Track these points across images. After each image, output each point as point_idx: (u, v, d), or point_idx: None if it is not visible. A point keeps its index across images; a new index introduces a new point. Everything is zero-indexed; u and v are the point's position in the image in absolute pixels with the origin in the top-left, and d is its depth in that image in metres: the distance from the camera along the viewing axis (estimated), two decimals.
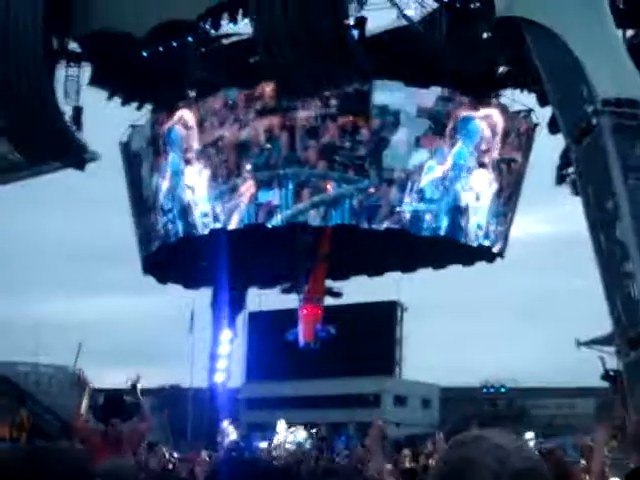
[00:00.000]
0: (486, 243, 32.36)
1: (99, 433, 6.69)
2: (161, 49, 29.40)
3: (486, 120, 31.22)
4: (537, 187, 35.22)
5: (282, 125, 30.41)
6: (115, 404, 7.60)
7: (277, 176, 30.76)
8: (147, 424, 7.63)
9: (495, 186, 31.97)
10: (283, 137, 30.45)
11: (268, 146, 30.13)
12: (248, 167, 30.80)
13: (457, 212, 31.06)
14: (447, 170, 30.68)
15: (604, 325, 26.67)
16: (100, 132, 32.86)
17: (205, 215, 31.66)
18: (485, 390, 53.39)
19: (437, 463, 1.59)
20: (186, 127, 31.52)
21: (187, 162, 31.88)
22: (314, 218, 30.85)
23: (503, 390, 52.91)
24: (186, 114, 31.58)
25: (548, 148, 30.41)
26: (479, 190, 31.48)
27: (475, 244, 32.04)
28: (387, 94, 30.13)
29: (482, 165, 31.40)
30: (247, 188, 30.87)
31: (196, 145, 31.43)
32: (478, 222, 31.71)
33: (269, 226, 31.01)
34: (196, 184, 31.70)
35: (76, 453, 2.10)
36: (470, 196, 31.28)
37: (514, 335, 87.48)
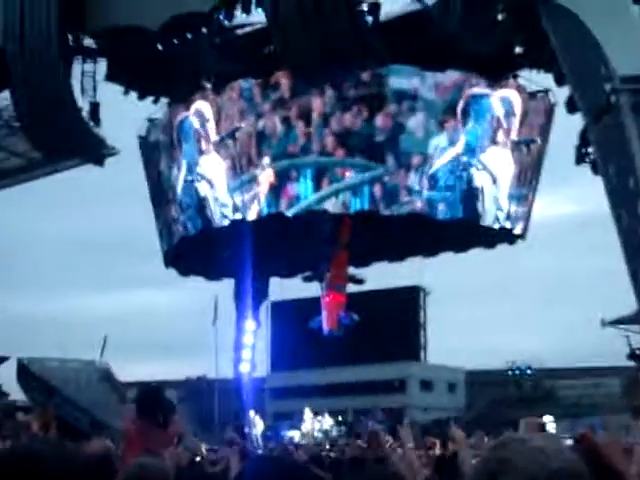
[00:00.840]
0: (507, 225, 32.17)
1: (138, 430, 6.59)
2: (176, 42, 29.43)
3: (502, 100, 30.99)
4: (556, 167, 35.06)
5: (298, 114, 30.36)
6: (152, 400, 7.25)
7: (295, 165, 30.73)
8: (179, 427, 7.56)
9: (514, 167, 31.78)
10: (300, 126, 30.40)
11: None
12: (266, 157, 30.77)
13: (472, 197, 30.85)
14: (460, 153, 30.48)
15: (629, 304, 26.59)
16: (118, 127, 33.00)
17: (224, 206, 31.64)
18: (511, 372, 53.35)
19: (477, 462, 1.61)
20: (202, 118, 31.51)
21: (203, 153, 31.85)
22: (334, 206, 30.80)
23: (529, 372, 52.83)
24: (202, 105, 31.55)
25: (566, 128, 30.26)
26: (497, 172, 31.27)
27: (496, 226, 31.86)
28: (403, 79, 30.01)
29: (496, 144, 31.16)
30: (266, 178, 30.83)
31: (213, 136, 31.41)
32: (498, 205, 31.52)
33: (289, 215, 30.98)
34: (214, 175, 31.69)
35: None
36: (486, 178, 31.02)
37: (538, 316, 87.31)
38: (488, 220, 31.43)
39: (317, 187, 30.56)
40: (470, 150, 30.60)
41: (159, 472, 3.46)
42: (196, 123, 31.70)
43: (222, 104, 31.06)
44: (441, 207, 30.57)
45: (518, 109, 31.37)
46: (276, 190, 30.80)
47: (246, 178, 30.93)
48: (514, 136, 31.49)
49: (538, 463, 1.51)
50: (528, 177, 32.60)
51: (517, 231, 32.82)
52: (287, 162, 30.65)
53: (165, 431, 6.89)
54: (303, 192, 30.72)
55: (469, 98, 30.43)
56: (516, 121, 31.43)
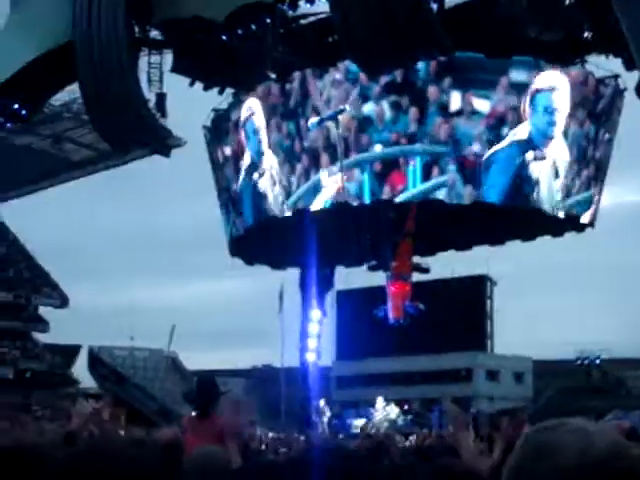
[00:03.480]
0: (575, 212, 31.61)
1: (196, 422, 6.69)
2: (240, 32, 29.53)
3: (574, 89, 30.44)
4: (626, 154, 34.43)
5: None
6: (207, 389, 7.35)
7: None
8: (241, 421, 7.61)
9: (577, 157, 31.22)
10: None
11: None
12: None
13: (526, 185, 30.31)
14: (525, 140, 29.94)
15: None
16: (185, 118, 33.28)
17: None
18: (579, 362, 52.64)
19: (517, 448, 1.53)
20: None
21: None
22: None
23: (598, 362, 52.08)
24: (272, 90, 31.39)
25: (637, 113, 29.71)
26: (561, 159, 30.72)
27: (561, 215, 31.33)
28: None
29: (565, 135, 30.61)
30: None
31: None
32: (565, 191, 31.00)
33: (355, 204, 30.75)
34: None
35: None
36: (546, 167, 30.38)
37: (607, 306, 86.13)
38: (546, 207, 30.82)
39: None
40: (538, 138, 30.07)
41: (219, 461, 3.48)
42: (259, 119, 31.40)
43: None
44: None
45: (585, 96, 30.77)
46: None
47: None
48: (580, 123, 30.90)
49: (584, 443, 1.44)
50: (597, 164, 32.07)
51: (585, 219, 32.31)
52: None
53: (210, 422, 6.92)
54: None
55: (535, 91, 29.87)
56: (583, 109, 30.83)
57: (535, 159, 29.89)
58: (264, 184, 32.11)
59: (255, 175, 32.36)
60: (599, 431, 1.47)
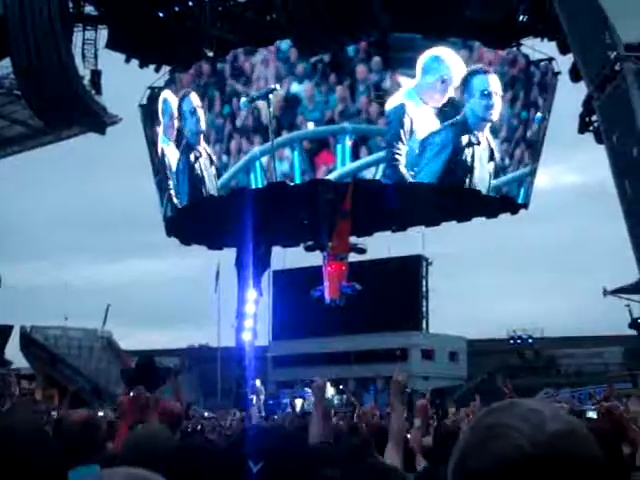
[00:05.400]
0: (506, 193, 31.90)
1: (129, 399, 6.69)
2: (177, 9, 29.21)
3: (511, 72, 30.64)
4: (560, 136, 34.94)
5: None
6: (146, 369, 7.36)
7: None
8: (180, 407, 7.57)
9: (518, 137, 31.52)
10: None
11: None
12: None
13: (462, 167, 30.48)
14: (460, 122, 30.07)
15: (630, 274, 26.60)
16: (121, 95, 32.86)
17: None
18: (512, 341, 53.40)
19: (465, 431, 1.45)
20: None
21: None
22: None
23: (530, 341, 52.91)
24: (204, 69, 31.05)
25: (570, 96, 30.12)
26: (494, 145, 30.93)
27: (498, 196, 31.64)
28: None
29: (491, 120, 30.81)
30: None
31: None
32: (502, 173, 31.28)
33: (293, 183, 30.63)
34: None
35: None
36: (482, 151, 30.57)
37: (540, 286, 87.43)
38: (491, 190, 31.08)
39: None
40: (474, 121, 30.17)
41: (164, 439, 3.46)
42: (197, 100, 31.04)
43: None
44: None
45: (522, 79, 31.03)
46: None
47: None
48: (519, 106, 31.13)
49: (533, 425, 1.36)
50: (531, 146, 32.40)
51: (520, 200, 32.65)
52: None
53: (148, 401, 6.94)
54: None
55: (468, 73, 29.96)
56: (522, 91, 31.06)
57: (470, 144, 29.99)
58: (200, 164, 31.85)
59: (191, 155, 32.07)
60: (550, 411, 1.40)
